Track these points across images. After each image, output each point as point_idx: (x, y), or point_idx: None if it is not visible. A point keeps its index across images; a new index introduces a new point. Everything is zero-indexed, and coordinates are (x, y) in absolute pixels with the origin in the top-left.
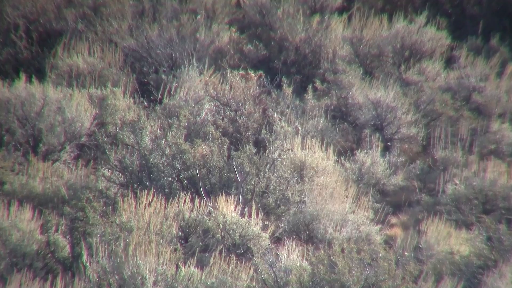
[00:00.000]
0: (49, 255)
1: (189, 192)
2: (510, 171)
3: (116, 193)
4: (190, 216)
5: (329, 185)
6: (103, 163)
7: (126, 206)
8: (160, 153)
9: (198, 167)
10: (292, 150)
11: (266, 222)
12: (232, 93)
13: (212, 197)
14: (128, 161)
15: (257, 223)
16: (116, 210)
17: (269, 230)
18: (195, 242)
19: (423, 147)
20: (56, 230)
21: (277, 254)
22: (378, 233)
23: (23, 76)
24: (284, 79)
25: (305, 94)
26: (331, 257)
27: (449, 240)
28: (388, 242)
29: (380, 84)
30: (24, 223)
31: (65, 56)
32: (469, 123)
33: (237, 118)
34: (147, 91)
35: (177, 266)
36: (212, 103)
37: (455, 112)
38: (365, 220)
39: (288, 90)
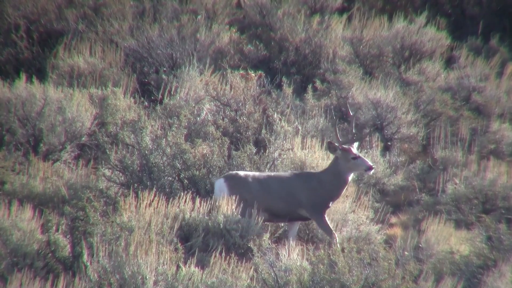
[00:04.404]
0: (50, 254)
1: (190, 192)
2: (510, 171)
3: (117, 193)
4: (190, 216)
5: None
6: (104, 163)
7: (126, 206)
8: (161, 153)
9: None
10: (292, 150)
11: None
12: (232, 93)
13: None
14: (129, 160)
15: (257, 223)
16: (116, 210)
17: (269, 230)
18: (196, 242)
19: (423, 147)
20: (57, 230)
21: (277, 254)
22: (378, 232)
23: (23, 76)
24: (284, 79)
25: (305, 94)
26: (331, 257)
27: (449, 240)
28: (388, 241)
29: (380, 84)
30: (25, 223)
31: (66, 56)
32: (469, 123)
33: (237, 118)
34: (148, 91)
35: (178, 266)
36: (212, 103)
37: (455, 112)
38: (365, 220)
39: (288, 90)
